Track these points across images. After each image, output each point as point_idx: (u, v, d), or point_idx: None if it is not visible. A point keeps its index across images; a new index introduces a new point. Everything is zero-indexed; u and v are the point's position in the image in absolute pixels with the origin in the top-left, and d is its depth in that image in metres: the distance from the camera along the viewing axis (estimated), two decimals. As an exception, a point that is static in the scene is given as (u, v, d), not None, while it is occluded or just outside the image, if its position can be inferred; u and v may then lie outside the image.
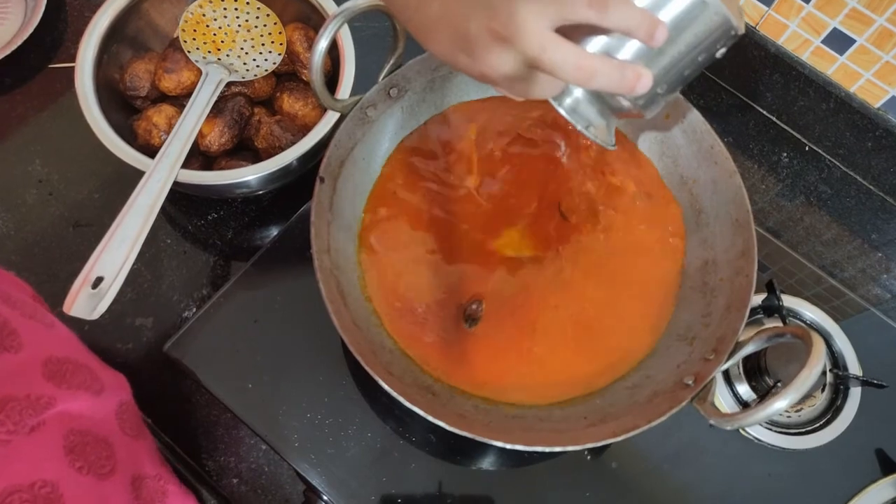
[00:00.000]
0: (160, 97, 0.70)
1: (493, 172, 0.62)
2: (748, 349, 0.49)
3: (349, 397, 0.61)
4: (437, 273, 0.57)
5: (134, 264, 0.65)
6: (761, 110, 0.80)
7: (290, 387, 0.61)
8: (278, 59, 0.69)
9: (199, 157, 0.67)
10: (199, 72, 0.67)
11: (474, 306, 0.56)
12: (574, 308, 0.58)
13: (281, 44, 0.70)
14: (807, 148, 0.79)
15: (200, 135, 0.65)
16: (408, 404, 0.46)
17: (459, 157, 0.62)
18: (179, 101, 0.69)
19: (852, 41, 0.68)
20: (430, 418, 0.46)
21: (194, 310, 0.65)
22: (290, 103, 0.69)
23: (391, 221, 0.59)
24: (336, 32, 0.49)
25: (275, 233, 0.69)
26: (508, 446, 0.46)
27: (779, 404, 0.43)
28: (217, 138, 0.65)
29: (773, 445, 0.62)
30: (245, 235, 0.70)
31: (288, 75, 0.73)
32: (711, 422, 0.46)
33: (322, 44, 0.49)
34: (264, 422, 0.60)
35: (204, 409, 0.62)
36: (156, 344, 0.64)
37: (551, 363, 0.56)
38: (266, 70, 0.69)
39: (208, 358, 0.62)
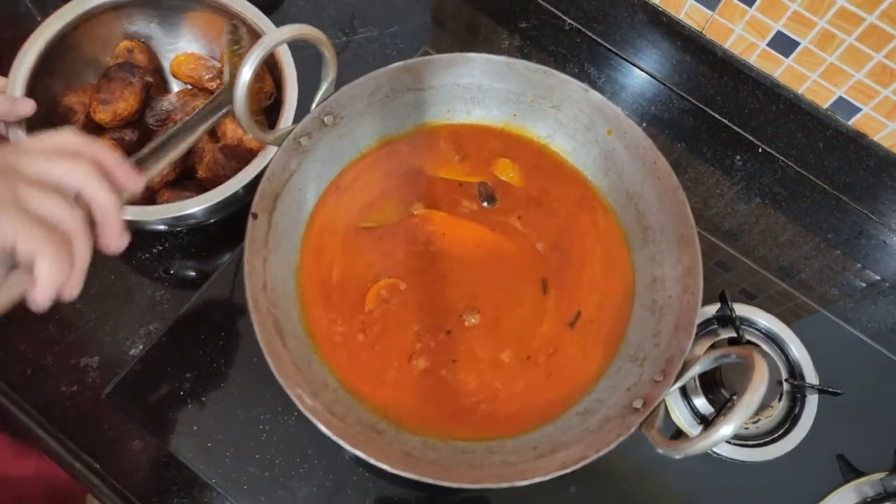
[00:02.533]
0: (97, 129, 0.67)
1: (436, 203, 0.61)
2: (695, 370, 0.49)
3: (298, 435, 0.60)
4: (383, 306, 0.56)
5: (76, 303, 0.62)
6: (713, 114, 0.79)
7: (236, 428, 0.60)
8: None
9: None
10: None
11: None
12: (531, 337, 0.57)
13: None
14: (760, 150, 0.78)
15: (139, 167, 0.63)
16: (349, 447, 0.45)
17: (398, 187, 0.61)
18: (116, 132, 0.67)
19: (797, 43, 0.67)
20: (373, 461, 0.45)
21: (141, 346, 0.64)
22: (234, 129, 0.67)
23: (332, 253, 0.57)
24: (259, 64, 0.47)
25: (224, 261, 0.68)
26: (455, 486, 0.45)
27: (723, 431, 0.42)
28: (156, 171, 0.64)
29: (732, 459, 0.61)
30: (192, 266, 0.68)
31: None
32: (659, 450, 0.45)
33: (245, 76, 0.47)
34: (212, 466, 0.58)
35: (153, 451, 0.60)
36: (102, 385, 0.62)
37: (509, 396, 0.54)
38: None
39: (150, 401, 0.60)
